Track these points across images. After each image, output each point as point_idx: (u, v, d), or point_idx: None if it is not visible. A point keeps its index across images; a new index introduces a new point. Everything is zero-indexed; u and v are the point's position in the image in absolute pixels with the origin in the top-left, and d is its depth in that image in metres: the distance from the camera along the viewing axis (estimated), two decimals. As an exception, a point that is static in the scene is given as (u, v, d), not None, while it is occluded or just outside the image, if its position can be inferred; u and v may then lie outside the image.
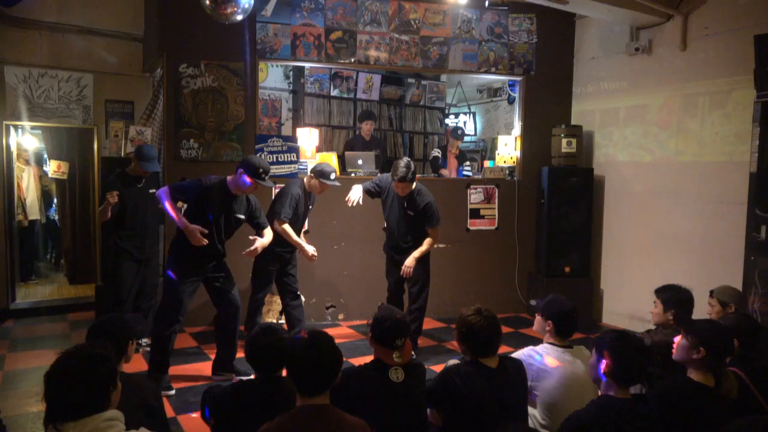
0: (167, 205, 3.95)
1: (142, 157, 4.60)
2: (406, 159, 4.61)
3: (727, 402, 2.46)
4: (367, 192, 4.91)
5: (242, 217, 4.18)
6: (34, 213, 7.03)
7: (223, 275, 4.19)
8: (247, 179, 3.96)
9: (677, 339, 2.59)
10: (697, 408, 2.35)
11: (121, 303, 4.63)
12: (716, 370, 2.50)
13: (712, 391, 2.44)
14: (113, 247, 4.76)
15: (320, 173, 4.65)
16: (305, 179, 4.78)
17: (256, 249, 4.20)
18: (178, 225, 3.95)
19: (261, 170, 3.96)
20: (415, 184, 4.65)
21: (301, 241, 4.68)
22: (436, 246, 5.11)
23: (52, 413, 1.78)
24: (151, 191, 4.73)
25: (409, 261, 4.68)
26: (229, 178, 4.07)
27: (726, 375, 2.56)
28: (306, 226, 5.17)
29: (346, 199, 4.78)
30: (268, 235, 4.31)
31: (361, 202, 4.85)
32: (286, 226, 4.56)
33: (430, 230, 4.74)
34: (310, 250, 4.67)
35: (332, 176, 4.65)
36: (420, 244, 4.73)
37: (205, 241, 3.92)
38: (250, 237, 4.27)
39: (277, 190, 5.00)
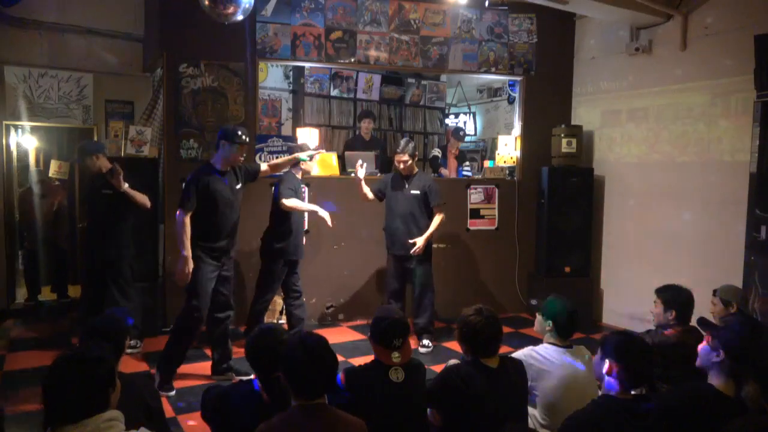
0: (183, 229, 3.89)
1: (85, 151, 4.55)
2: (406, 137, 4.77)
3: (731, 408, 2.37)
4: (375, 194, 5.03)
5: (239, 186, 4.19)
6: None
7: (227, 274, 4.19)
8: (230, 147, 4.00)
9: (700, 346, 2.45)
10: (699, 416, 2.29)
11: (81, 304, 4.57)
12: (737, 376, 2.33)
13: (713, 397, 2.38)
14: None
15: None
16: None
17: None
18: (180, 248, 3.90)
19: (239, 132, 4.04)
20: (416, 168, 4.90)
21: (314, 206, 4.62)
22: (436, 246, 5.13)
23: (50, 417, 1.76)
24: (104, 192, 4.52)
25: (420, 241, 4.78)
26: (211, 159, 4.12)
27: (746, 381, 2.42)
28: (306, 226, 5.15)
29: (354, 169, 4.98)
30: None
31: (368, 193, 4.98)
32: (293, 200, 4.53)
33: (436, 209, 4.85)
34: (325, 214, 4.56)
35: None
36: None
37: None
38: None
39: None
